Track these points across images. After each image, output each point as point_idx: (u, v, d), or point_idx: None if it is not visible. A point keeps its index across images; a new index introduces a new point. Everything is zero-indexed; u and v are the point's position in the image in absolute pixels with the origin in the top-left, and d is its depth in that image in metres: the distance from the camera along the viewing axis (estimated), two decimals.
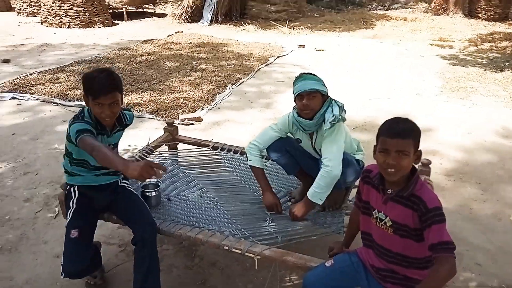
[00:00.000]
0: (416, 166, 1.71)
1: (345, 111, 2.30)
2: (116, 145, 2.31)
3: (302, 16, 12.26)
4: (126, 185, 2.37)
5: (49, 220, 2.93)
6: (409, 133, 1.61)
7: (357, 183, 2.06)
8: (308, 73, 2.35)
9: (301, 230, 2.24)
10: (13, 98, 5.26)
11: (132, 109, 4.87)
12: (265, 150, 2.53)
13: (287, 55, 7.89)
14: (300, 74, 2.34)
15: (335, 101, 2.34)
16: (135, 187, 2.45)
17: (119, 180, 2.35)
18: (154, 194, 2.39)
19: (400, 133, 1.59)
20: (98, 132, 2.15)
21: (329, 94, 2.36)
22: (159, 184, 2.44)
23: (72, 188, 2.27)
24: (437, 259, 1.52)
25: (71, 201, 2.22)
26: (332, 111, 2.27)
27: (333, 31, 10.46)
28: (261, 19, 11.69)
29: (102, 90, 2.00)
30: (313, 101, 2.26)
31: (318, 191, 2.24)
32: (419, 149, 1.65)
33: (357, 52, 8.25)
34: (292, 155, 2.51)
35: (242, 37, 9.45)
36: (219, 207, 2.46)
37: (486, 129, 4.53)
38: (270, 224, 2.28)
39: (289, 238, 2.17)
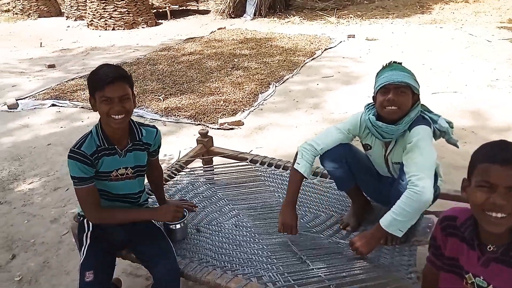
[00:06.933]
0: None
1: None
2: (139, 169, 1.93)
3: (351, 4, 11.48)
4: None
5: (74, 245, 2.64)
6: None
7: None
8: (399, 63, 1.87)
9: (361, 275, 1.76)
10: (53, 105, 5.15)
11: (170, 115, 4.60)
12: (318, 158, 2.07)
13: (335, 47, 7.30)
14: (389, 63, 1.87)
15: (432, 112, 1.92)
16: None
17: None
18: (179, 226, 2.00)
19: None
20: (107, 153, 1.81)
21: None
22: (185, 213, 2.05)
23: (85, 220, 1.95)
24: None
25: (85, 235, 1.90)
26: (436, 121, 1.86)
27: (386, 18, 9.65)
28: (306, 10, 11.09)
29: (108, 78, 1.68)
30: (401, 98, 1.78)
31: (399, 219, 1.69)
32: None
33: (414, 40, 7.47)
34: (351, 168, 2.04)
35: (287, 30, 8.94)
36: (257, 240, 2.04)
37: None
38: (319, 266, 1.83)
39: None
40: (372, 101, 1.95)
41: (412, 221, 1.71)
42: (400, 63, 1.88)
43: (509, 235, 1.16)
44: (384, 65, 1.88)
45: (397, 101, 1.78)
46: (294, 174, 1.99)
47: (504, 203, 1.09)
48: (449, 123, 1.92)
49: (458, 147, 1.97)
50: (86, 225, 1.92)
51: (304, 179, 2.00)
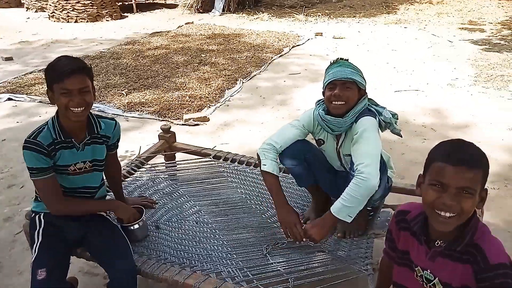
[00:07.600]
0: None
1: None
2: (97, 163, 1.87)
3: (319, 2, 11.61)
4: (105, 213, 1.95)
5: (28, 244, 2.54)
6: (479, 162, 1.10)
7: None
8: (346, 60, 1.92)
9: (319, 268, 1.78)
10: (9, 99, 4.92)
11: (133, 110, 4.49)
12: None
13: (303, 45, 7.35)
14: (336, 59, 1.92)
15: (378, 105, 1.98)
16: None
17: None
18: (138, 226, 1.93)
19: (467, 160, 1.09)
20: (64, 146, 1.74)
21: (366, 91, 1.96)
22: (143, 211, 1.99)
23: (37, 216, 1.87)
24: None
25: (36, 232, 1.83)
26: (381, 113, 1.90)
27: (353, 17, 9.81)
28: (275, 7, 11.12)
29: (68, 70, 1.63)
30: (347, 93, 1.84)
31: (348, 206, 1.73)
32: (485, 187, 1.14)
33: (380, 39, 7.63)
34: (310, 165, 2.06)
35: (256, 27, 8.92)
36: (217, 236, 2.02)
37: None
38: (279, 261, 1.83)
39: (303, 282, 1.71)
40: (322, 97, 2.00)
41: (360, 207, 1.75)
42: (347, 60, 1.93)
43: (455, 232, 1.18)
44: (332, 61, 1.93)
45: (343, 96, 1.84)
46: (267, 176, 1.98)
47: (453, 204, 1.11)
48: (394, 114, 1.99)
49: (401, 137, 2.05)
50: (38, 221, 1.85)
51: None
